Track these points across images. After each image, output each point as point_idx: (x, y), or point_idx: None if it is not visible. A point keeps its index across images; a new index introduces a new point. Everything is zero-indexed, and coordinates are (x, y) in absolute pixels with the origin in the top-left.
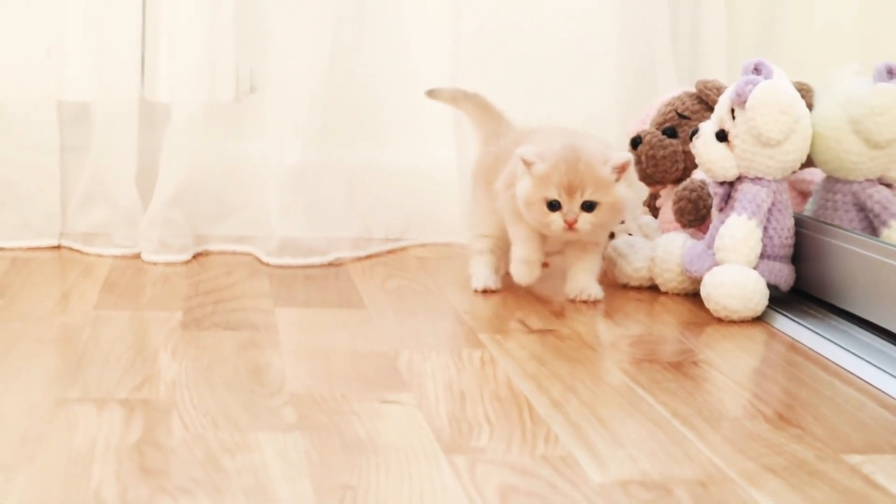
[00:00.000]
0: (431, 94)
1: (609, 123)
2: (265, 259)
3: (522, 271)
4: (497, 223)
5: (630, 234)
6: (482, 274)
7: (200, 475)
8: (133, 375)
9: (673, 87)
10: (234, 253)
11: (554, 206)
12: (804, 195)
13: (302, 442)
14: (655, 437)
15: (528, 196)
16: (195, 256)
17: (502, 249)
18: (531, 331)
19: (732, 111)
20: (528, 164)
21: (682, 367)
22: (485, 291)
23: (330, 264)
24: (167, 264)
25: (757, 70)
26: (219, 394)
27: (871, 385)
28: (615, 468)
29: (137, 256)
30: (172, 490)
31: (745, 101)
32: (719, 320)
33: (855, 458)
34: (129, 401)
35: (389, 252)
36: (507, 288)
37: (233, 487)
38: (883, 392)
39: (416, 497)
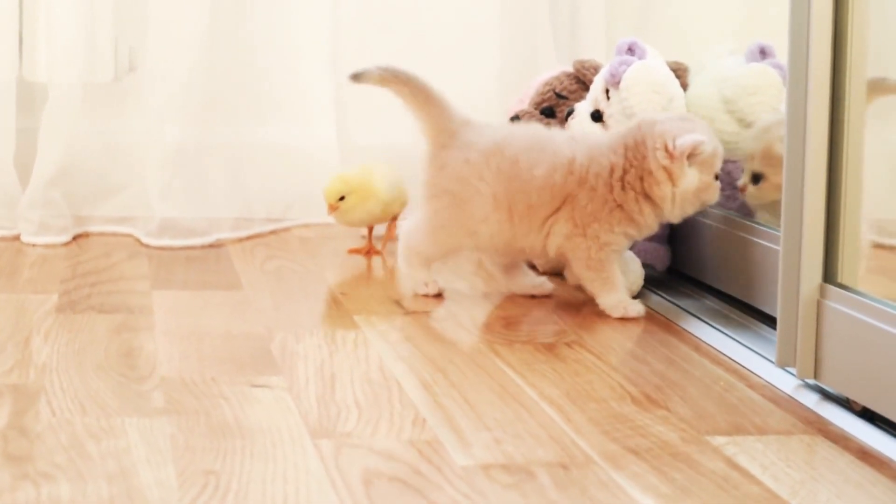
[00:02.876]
0: (357, 77)
1: (490, 102)
2: (145, 240)
3: (636, 304)
4: (456, 249)
5: None
6: (425, 277)
7: (63, 460)
8: (3, 360)
9: (553, 67)
10: (114, 234)
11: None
12: None
13: (168, 426)
14: (521, 420)
15: (703, 180)
16: (75, 238)
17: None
18: (407, 312)
19: (607, 91)
20: (697, 151)
21: (555, 348)
22: (433, 295)
23: (211, 245)
24: (46, 246)
25: (630, 50)
26: (89, 378)
27: (740, 365)
28: (479, 452)
29: (17, 238)
30: (34, 476)
31: (618, 82)
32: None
33: (719, 440)
34: None
35: (271, 232)
36: (387, 269)
37: (95, 472)
38: (752, 372)
39: (279, 481)
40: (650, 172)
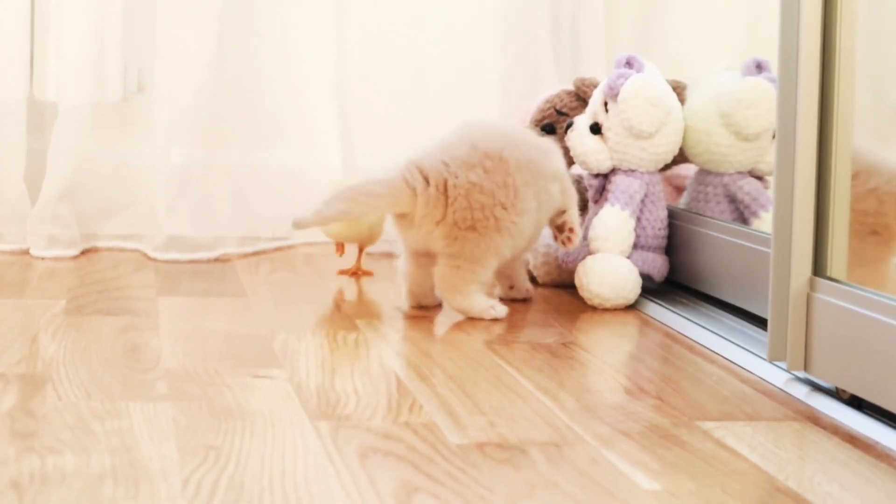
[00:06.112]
0: (298, 225)
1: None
2: (152, 254)
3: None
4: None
5: None
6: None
7: (69, 437)
8: (11, 353)
9: (554, 86)
10: (121, 249)
11: None
12: (679, 190)
13: (171, 410)
14: (516, 406)
15: None
16: (83, 252)
17: None
18: (407, 316)
19: (606, 104)
20: None
21: (552, 348)
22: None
23: (216, 259)
24: (55, 259)
25: (629, 64)
26: (94, 369)
27: (733, 363)
28: (474, 432)
29: (26, 252)
30: (40, 449)
31: (617, 95)
32: (593, 308)
33: (708, 425)
34: (5, 375)
35: (276, 249)
36: (391, 280)
37: (99, 447)
38: (744, 369)
39: (278, 456)
40: None
